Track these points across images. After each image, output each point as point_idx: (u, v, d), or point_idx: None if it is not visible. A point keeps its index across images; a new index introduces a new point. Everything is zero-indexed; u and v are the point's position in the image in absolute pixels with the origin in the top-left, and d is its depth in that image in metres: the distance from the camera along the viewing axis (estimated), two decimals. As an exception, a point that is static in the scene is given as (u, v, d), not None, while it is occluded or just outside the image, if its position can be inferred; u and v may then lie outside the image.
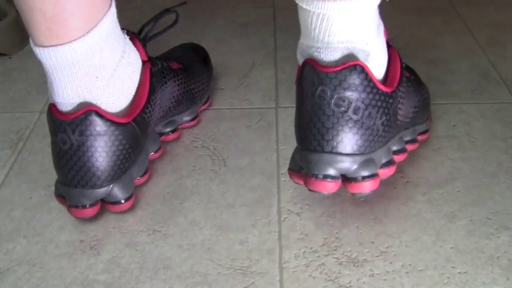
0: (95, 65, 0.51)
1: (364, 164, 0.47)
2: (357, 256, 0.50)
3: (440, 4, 0.92)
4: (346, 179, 0.49)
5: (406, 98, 0.52)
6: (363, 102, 0.45)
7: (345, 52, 0.46)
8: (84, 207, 0.52)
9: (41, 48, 0.49)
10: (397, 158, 0.54)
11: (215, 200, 0.56)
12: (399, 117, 0.51)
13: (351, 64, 0.45)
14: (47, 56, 0.49)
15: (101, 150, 0.51)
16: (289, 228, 0.53)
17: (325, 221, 0.54)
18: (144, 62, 0.57)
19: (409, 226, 0.53)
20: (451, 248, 0.50)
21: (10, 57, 0.82)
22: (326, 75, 0.45)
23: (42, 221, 0.55)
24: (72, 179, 0.51)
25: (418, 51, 0.79)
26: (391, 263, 0.49)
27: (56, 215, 0.56)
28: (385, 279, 0.48)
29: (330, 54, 0.47)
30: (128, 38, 0.56)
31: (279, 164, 0.60)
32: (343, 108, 0.44)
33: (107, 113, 0.51)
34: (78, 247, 0.52)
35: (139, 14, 0.91)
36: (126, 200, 0.54)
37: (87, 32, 0.49)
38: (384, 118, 0.48)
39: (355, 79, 0.45)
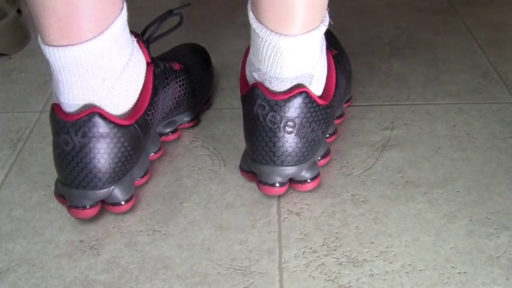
0: (103, 67, 0.50)
1: (309, 168, 0.55)
2: (356, 256, 0.50)
3: (440, 4, 0.92)
4: (294, 181, 0.56)
5: (338, 93, 0.58)
6: (307, 121, 0.52)
7: (294, 82, 0.52)
8: (84, 207, 0.52)
9: (50, 48, 0.48)
10: (329, 140, 0.62)
11: (215, 200, 0.56)
12: (335, 109, 0.58)
13: (297, 92, 0.51)
14: (56, 55, 0.48)
15: (103, 152, 0.51)
16: (289, 228, 0.53)
17: (325, 221, 0.54)
18: (147, 64, 0.57)
19: (409, 226, 0.53)
20: (451, 248, 0.50)
21: (10, 57, 0.82)
22: (276, 103, 0.51)
23: (42, 221, 0.55)
24: (73, 179, 0.51)
25: (418, 51, 0.79)
26: (390, 263, 0.49)
27: (55, 215, 0.56)
28: (384, 279, 0.48)
29: (281, 85, 0.52)
30: (135, 40, 0.55)
31: (279, 164, 0.60)
32: (290, 129, 0.52)
33: (110, 115, 0.51)
34: (77, 247, 0.52)
35: (139, 15, 0.91)
36: (127, 201, 0.54)
37: (99, 34, 0.48)
38: (324, 127, 0.55)
39: (300, 103, 0.52)
